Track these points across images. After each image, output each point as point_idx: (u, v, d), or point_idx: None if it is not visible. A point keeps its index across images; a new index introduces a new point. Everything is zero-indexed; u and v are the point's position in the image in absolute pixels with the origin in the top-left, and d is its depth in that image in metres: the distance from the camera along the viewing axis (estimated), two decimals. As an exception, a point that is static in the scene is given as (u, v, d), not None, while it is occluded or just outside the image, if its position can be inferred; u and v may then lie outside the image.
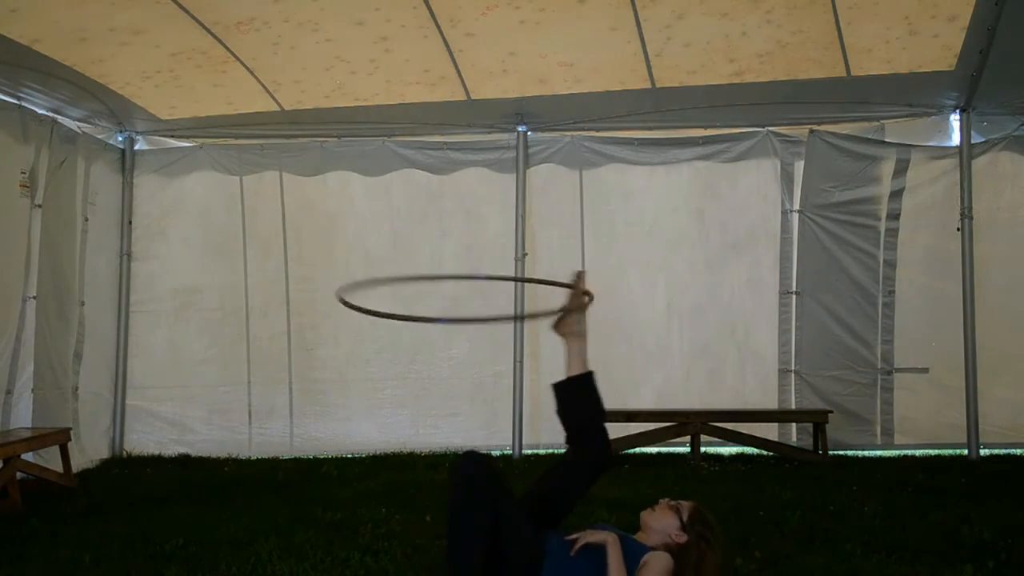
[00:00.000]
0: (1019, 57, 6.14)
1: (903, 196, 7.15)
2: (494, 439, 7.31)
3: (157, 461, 7.11)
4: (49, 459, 6.00)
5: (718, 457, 7.02)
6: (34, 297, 6.32)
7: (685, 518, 2.97)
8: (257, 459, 7.20)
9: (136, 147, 7.67)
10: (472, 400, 7.52)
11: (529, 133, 7.50)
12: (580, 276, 3.19)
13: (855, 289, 7.19)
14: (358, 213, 7.70)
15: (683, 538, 2.93)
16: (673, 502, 3.03)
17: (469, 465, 2.84)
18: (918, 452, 7.06)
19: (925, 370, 7.09)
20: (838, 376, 7.17)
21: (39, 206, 6.37)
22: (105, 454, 7.25)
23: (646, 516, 3.04)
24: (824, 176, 7.23)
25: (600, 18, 6.00)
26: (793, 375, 7.27)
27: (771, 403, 7.28)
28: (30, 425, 6.12)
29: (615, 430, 6.65)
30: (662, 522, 2.98)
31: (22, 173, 6.27)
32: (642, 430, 6.88)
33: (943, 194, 7.08)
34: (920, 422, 7.14)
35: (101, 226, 7.28)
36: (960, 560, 3.79)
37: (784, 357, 7.31)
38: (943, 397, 7.03)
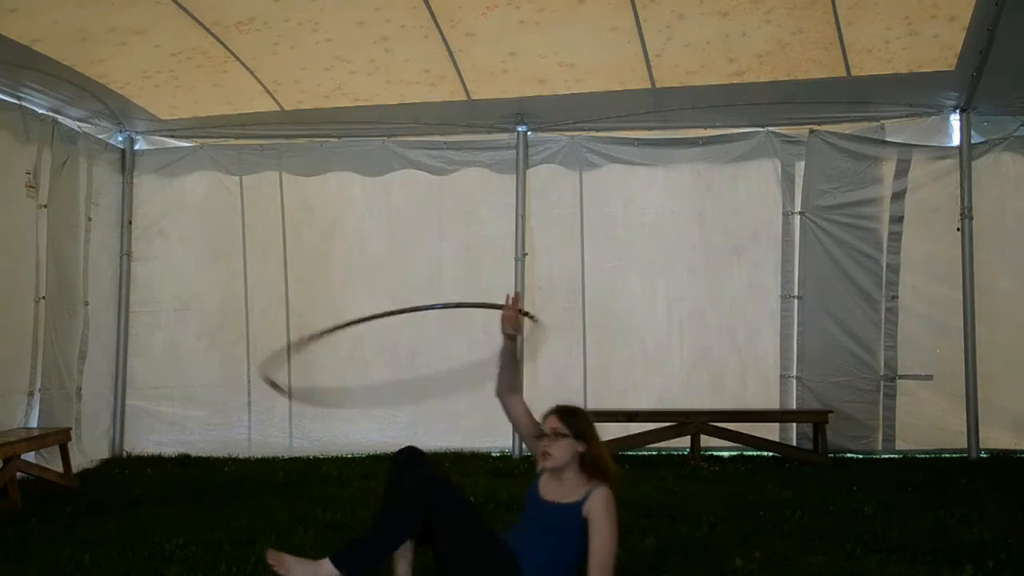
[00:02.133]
0: (1019, 57, 6.13)
1: (905, 198, 7.08)
2: (494, 440, 7.29)
3: (157, 461, 7.10)
4: (50, 459, 6.00)
5: (718, 457, 7.01)
6: (44, 298, 6.33)
7: (567, 430, 3.03)
8: (257, 459, 7.19)
9: (136, 147, 7.67)
10: (471, 400, 7.48)
11: (529, 133, 7.50)
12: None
13: (858, 294, 7.10)
14: (358, 213, 7.70)
15: (583, 445, 3.02)
16: (547, 429, 3.06)
17: (418, 455, 3.15)
18: (919, 455, 7.02)
19: (929, 377, 6.98)
20: (840, 382, 7.08)
21: (44, 206, 6.39)
22: (105, 454, 7.25)
23: (548, 459, 3.04)
24: (825, 177, 7.17)
25: (600, 18, 5.99)
26: (794, 381, 7.21)
27: (772, 408, 7.23)
28: (37, 425, 6.13)
29: (616, 430, 6.75)
30: (562, 450, 3.03)
31: (27, 174, 6.28)
32: (642, 430, 6.88)
33: (945, 196, 7.02)
34: (922, 429, 7.06)
35: (102, 226, 7.28)
36: (960, 560, 3.79)
37: (785, 363, 7.25)
38: (946, 404, 6.96)
